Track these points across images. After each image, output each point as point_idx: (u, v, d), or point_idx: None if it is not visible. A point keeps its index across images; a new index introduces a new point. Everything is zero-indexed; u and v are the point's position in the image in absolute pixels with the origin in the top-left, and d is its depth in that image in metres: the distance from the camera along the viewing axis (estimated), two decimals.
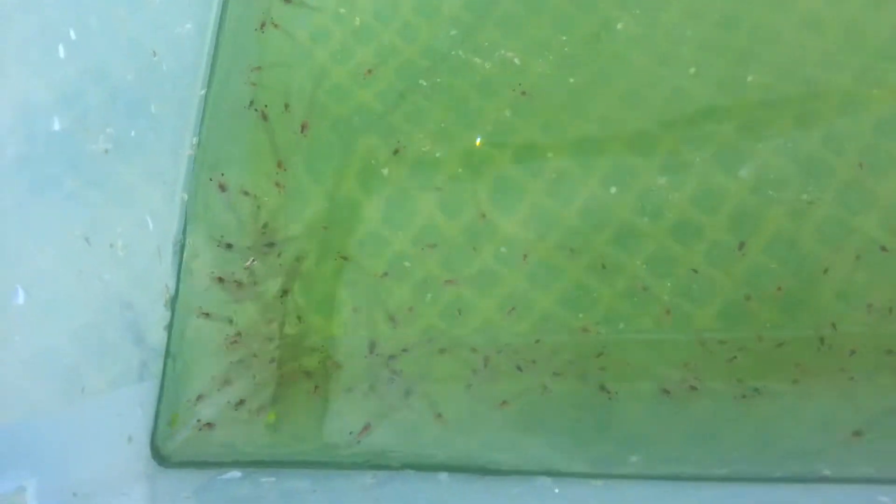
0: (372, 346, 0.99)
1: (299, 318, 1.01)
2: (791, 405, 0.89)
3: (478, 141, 1.03)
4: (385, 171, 1.05)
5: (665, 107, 1.01)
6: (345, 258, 1.02)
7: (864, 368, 0.89)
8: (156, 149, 1.02)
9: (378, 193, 1.04)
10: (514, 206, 1.01)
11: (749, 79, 0.99)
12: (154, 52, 1.01)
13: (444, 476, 0.91)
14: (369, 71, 1.11)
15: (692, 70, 1.01)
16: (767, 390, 0.90)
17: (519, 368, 0.95)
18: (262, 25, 1.15)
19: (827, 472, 0.86)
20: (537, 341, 0.95)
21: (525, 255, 0.98)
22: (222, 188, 1.06)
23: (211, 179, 1.07)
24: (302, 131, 1.06)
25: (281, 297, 1.02)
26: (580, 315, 0.96)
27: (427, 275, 1.00)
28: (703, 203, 0.96)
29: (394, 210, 1.03)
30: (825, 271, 0.92)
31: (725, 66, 1.00)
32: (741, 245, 0.95)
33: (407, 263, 1.01)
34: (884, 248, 0.92)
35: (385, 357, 0.98)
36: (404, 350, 0.98)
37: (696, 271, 0.95)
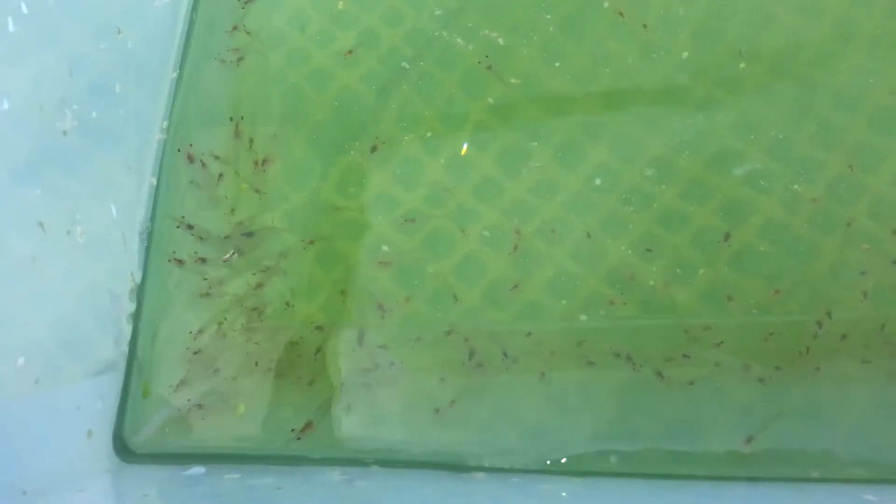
0: (360, 335, 0.96)
1: (287, 304, 0.98)
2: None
3: (464, 148, 1.01)
4: (365, 163, 1.02)
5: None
6: (329, 244, 1.00)
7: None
8: (121, 131, 0.99)
9: (359, 182, 1.02)
10: (498, 195, 0.98)
11: (741, 66, 0.97)
12: (118, 29, 0.97)
13: (414, 472, 0.88)
14: (350, 52, 1.07)
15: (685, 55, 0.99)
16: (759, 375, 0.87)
17: (505, 354, 0.92)
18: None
19: (815, 474, 0.83)
20: (528, 334, 0.92)
21: (516, 246, 0.96)
22: (190, 159, 1.03)
23: (179, 150, 1.04)
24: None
25: (257, 286, 0.99)
26: (563, 301, 0.93)
27: (416, 259, 0.97)
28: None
29: (379, 193, 1.01)
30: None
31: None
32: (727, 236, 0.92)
33: (386, 247, 0.98)
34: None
35: (373, 345, 0.95)
36: (392, 338, 0.95)
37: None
